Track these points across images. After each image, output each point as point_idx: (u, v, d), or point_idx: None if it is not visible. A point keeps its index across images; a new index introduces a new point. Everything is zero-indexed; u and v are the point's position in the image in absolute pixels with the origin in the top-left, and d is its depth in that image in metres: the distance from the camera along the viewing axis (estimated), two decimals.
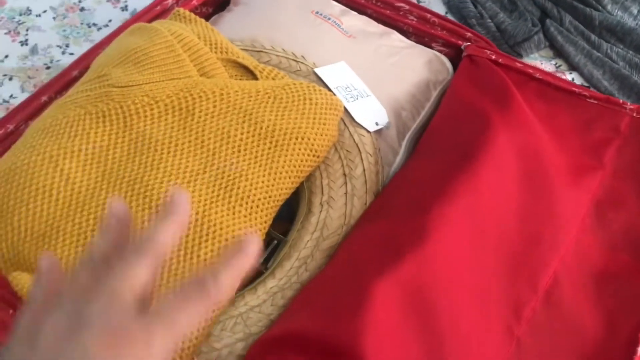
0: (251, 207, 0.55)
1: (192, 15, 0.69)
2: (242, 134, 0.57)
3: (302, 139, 0.58)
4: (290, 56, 0.69)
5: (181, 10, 0.69)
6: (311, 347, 0.47)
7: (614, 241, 0.61)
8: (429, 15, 0.78)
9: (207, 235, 0.52)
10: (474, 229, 0.55)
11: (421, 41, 0.77)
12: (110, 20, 0.87)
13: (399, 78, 0.71)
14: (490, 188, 0.58)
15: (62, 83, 0.68)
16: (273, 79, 0.64)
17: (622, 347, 0.53)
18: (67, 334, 0.30)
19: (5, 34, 0.84)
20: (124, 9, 0.89)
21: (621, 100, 0.70)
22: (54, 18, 0.86)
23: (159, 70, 0.59)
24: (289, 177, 0.57)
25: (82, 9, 0.88)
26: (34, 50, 0.82)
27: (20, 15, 0.86)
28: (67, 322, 0.30)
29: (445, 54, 0.76)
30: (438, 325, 0.50)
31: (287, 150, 0.57)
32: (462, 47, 0.75)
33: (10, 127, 0.64)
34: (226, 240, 0.52)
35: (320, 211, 0.59)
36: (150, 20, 0.73)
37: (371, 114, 0.66)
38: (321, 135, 0.59)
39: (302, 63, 0.69)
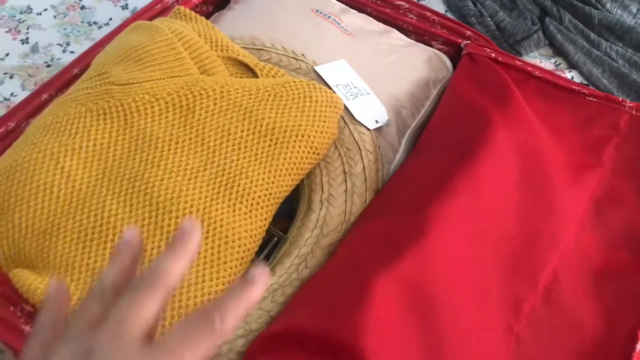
0: (251, 205, 0.55)
1: (193, 13, 0.69)
2: (242, 131, 0.57)
3: (302, 136, 0.58)
4: (290, 54, 0.69)
5: (182, 8, 0.70)
6: (311, 343, 0.48)
7: (613, 239, 0.61)
8: (428, 14, 0.78)
9: (207, 232, 0.52)
10: (474, 226, 0.56)
11: (421, 39, 0.78)
12: (110, 19, 0.87)
13: (399, 76, 0.71)
14: (489, 185, 0.58)
15: (63, 81, 0.68)
16: (273, 76, 0.65)
17: (621, 344, 0.54)
18: None
19: (6, 32, 0.84)
20: (125, 7, 0.89)
21: (620, 98, 0.70)
22: (54, 16, 0.87)
23: (160, 68, 0.60)
24: (289, 175, 0.58)
25: (82, 8, 0.88)
26: (34, 49, 0.82)
27: (21, 13, 0.86)
28: (75, 353, 0.30)
29: (445, 53, 0.76)
30: (437, 322, 0.50)
31: (287, 147, 0.57)
32: (462, 45, 0.75)
33: (11, 125, 0.64)
34: (226, 237, 0.52)
35: (320, 208, 0.60)
36: (150, 19, 0.73)
37: (371, 111, 0.66)
38: (321, 132, 0.59)
39: (302, 61, 0.69)
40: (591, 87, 0.79)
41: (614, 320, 0.55)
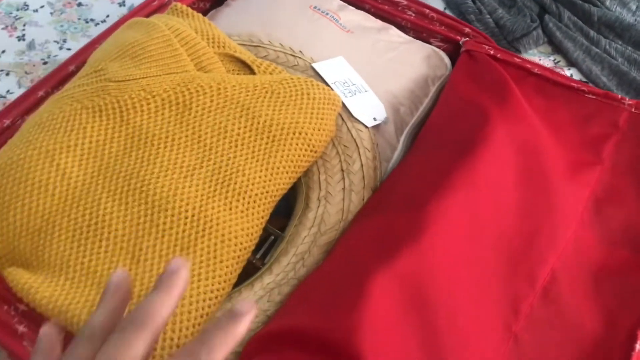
0: (248, 203, 0.54)
1: (190, 9, 0.68)
2: (239, 128, 0.57)
3: (300, 133, 0.58)
4: (287, 51, 0.69)
5: (178, 4, 0.69)
6: (308, 342, 0.47)
7: (613, 237, 0.60)
8: (427, 11, 0.78)
9: (203, 230, 0.51)
10: (472, 223, 0.55)
11: (419, 36, 0.77)
12: (107, 16, 0.87)
13: (397, 73, 0.71)
14: (488, 183, 0.58)
15: (59, 78, 0.68)
16: (270, 73, 0.64)
17: (621, 344, 0.53)
18: None
19: (3, 29, 0.83)
20: (122, 4, 0.88)
21: (620, 96, 0.69)
22: (51, 13, 0.86)
23: (156, 65, 0.59)
24: (287, 172, 0.57)
25: (79, 5, 0.88)
26: (31, 46, 0.82)
27: (18, 10, 0.86)
28: None
29: (443, 50, 0.76)
30: (435, 321, 0.50)
31: (284, 145, 0.57)
32: (461, 42, 0.75)
33: (7, 122, 0.64)
34: (222, 235, 0.52)
35: (318, 207, 0.59)
36: (147, 15, 0.72)
37: (369, 109, 0.66)
38: (319, 130, 0.59)
39: (300, 58, 0.68)
40: (590, 84, 0.78)
41: (614, 319, 0.55)
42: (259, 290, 0.54)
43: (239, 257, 0.52)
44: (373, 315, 0.47)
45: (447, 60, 0.74)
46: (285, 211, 0.62)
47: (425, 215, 0.54)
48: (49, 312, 0.48)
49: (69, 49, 0.82)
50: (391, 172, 0.63)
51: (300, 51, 0.69)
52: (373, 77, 0.69)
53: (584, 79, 0.81)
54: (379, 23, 0.77)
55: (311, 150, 0.59)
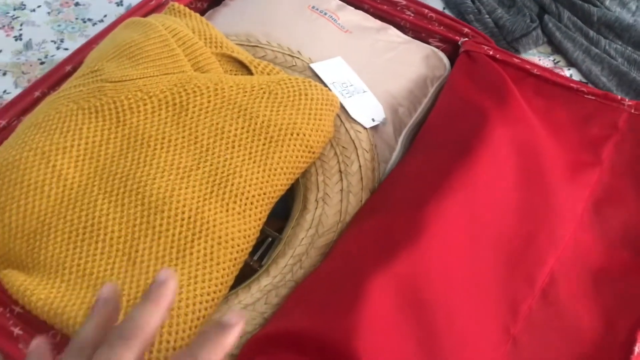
0: (245, 204, 0.54)
1: (187, 9, 0.68)
2: (236, 129, 0.56)
3: (298, 134, 0.57)
4: (285, 51, 0.68)
5: (176, 4, 0.69)
6: (306, 345, 0.47)
7: (612, 238, 0.60)
8: (426, 11, 0.78)
9: (200, 232, 0.51)
10: (471, 224, 0.55)
11: (418, 37, 0.77)
12: (105, 15, 0.86)
13: (396, 74, 0.70)
14: (487, 184, 0.58)
15: (56, 78, 0.67)
16: (268, 74, 0.64)
17: (620, 346, 0.53)
18: None
19: None
20: (119, 3, 0.88)
21: (619, 97, 0.69)
22: (48, 13, 0.86)
23: (153, 65, 0.59)
24: (284, 174, 0.57)
25: (76, 4, 0.87)
26: (28, 46, 0.81)
27: (15, 10, 0.86)
28: None
29: (442, 50, 0.76)
30: (434, 322, 0.49)
31: (282, 146, 0.57)
32: (460, 42, 0.75)
33: (3, 122, 0.63)
34: (219, 237, 0.51)
35: (316, 208, 0.59)
36: (145, 15, 0.72)
37: (368, 110, 0.65)
38: (317, 131, 0.59)
39: (298, 58, 0.68)
40: (590, 85, 0.78)
41: (613, 321, 0.55)
42: (256, 293, 0.53)
43: (235, 259, 0.52)
44: (371, 317, 0.47)
45: (446, 60, 0.74)
46: (282, 213, 0.61)
47: (423, 216, 0.54)
48: (44, 314, 0.48)
49: (66, 49, 0.81)
50: (389, 173, 0.63)
51: (299, 51, 0.69)
52: (371, 77, 0.69)
53: (584, 79, 0.80)
54: (377, 23, 0.76)
55: (309, 152, 0.58)
